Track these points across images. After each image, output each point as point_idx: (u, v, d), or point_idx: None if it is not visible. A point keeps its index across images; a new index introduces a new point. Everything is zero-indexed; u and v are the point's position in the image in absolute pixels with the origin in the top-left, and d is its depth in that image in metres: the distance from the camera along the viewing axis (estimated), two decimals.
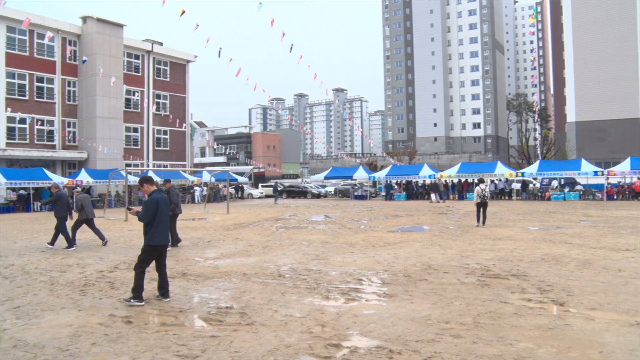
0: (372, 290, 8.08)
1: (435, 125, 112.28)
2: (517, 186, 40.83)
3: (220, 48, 26.50)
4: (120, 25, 44.06)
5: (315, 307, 7.05)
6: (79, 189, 24.91)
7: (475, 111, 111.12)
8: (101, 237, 14.61)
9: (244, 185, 54.75)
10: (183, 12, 20.30)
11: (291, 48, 27.08)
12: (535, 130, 72.30)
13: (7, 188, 33.98)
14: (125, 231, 18.78)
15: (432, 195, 38.12)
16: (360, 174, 46.20)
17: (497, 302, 7.19)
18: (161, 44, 51.22)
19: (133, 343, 5.59)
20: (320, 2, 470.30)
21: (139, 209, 7.86)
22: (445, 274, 9.27)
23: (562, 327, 5.92)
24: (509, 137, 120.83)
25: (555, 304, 7.09)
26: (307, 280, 8.88)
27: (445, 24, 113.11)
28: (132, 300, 7.40)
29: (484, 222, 18.47)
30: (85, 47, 42.19)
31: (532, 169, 38.60)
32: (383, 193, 45.03)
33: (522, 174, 38.16)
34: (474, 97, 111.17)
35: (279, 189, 52.94)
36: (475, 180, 40.59)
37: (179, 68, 52.03)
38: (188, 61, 52.85)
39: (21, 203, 35.02)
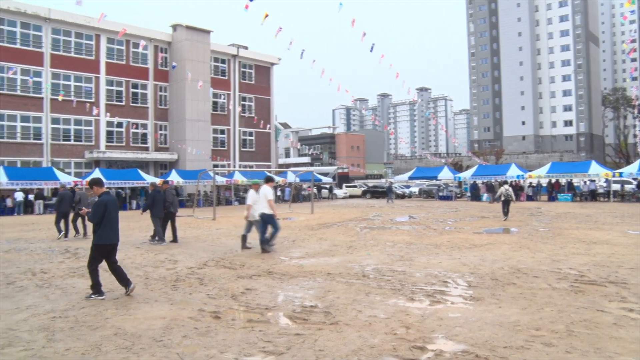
0: (458, 293, 7.88)
1: (523, 123, 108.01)
2: (615, 187, 38.51)
3: (303, 50, 26.86)
4: (208, 32, 45.67)
5: (400, 309, 6.97)
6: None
7: (567, 108, 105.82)
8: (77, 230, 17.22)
9: (332, 186, 55.11)
10: (266, 16, 20.70)
11: (372, 48, 26.98)
12: (634, 126, 67.83)
13: (106, 188, 35.99)
14: (213, 229, 19.41)
15: (485, 196, 37.19)
16: (445, 174, 45.29)
17: (593, 310, 6.76)
18: (246, 47, 52.59)
19: (221, 337, 5.75)
20: (400, 1, 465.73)
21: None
22: (535, 279, 8.88)
23: None
24: (605, 135, 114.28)
25: None
26: (391, 281, 8.80)
27: (534, 18, 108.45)
28: (92, 296, 7.82)
29: (506, 215, 21.82)
30: (175, 54, 44.12)
31: (631, 168, 36.22)
32: (469, 194, 43.99)
33: (620, 174, 35.92)
34: (566, 93, 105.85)
35: (364, 189, 52.97)
36: (566, 181, 39.11)
37: (263, 71, 53.21)
38: (272, 64, 53.94)
39: (119, 202, 37.07)
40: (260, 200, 12.66)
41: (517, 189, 40.65)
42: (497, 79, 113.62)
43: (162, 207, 14.94)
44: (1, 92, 36.19)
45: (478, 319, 6.36)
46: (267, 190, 12.66)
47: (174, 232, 15.38)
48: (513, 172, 40.06)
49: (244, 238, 13.42)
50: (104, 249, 7.95)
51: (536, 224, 19.50)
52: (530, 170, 43.71)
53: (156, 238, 15.01)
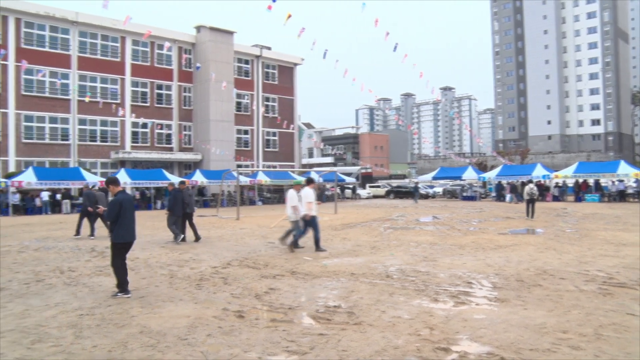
0: (483, 294, 7.80)
1: (549, 122, 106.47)
2: None
3: (326, 50, 26.84)
4: (231, 33, 45.97)
5: (424, 310, 6.93)
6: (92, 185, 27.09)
7: (595, 107, 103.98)
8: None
9: (355, 186, 55.03)
10: (289, 17, 20.73)
11: (395, 47, 26.86)
12: None
13: (132, 187, 36.54)
14: (236, 229, 19.53)
15: (508, 196, 36.87)
16: (470, 174, 44.87)
17: (622, 313, 6.63)
18: (269, 48, 52.80)
19: (245, 336, 5.78)
20: (424, 0, 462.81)
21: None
22: (562, 280, 8.74)
23: None
24: (634, 134, 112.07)
25: None
26: (415, 282, 8.76)
27: (560, 15, 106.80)
28: (118, 294, 7.92)
29: (532, 216, 21.84)
30: (199, 55, 44.51)
31: None
32: (493, 194, 43.54)
33: None
34: (593, 91, 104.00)
35: (387, 189, 52.76)
36: (594, 180, 38.42)
37: (286, 71, 53.36)
38: (295, 64, 54.06)
39: (144, 202, 37.61)
40: (302, 202, 12.83)
41: (543, 189, 40.12)
42: (522, 77, 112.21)
43: (182, 207, 15.22)
44: (31, 94, 36.95)
45: (503, 321, 6.29)
46: (308, 192, 12.85)
47: (195, 231, 15.61)
48: (539, 172, 39.47)
49: (288, 234, 13.64)
50: (122, 247, 8.13)
51: (562, 225, 19.21)
52: (556, 170, 43.06)
53: (180, 237, 15.19)
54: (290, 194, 13.27)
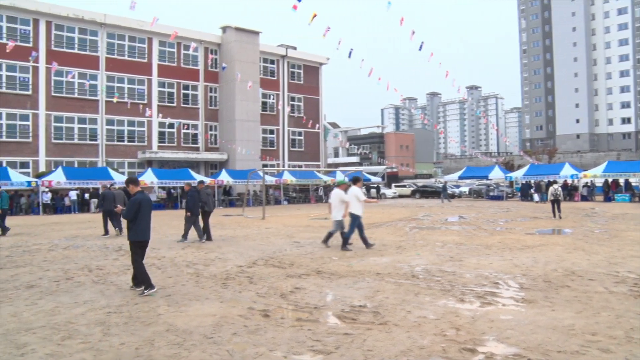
0: (510, 295, 7.69)
1: (577, 121, 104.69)
2: None
3: (351, 49, 26.79)
4: (257, 33, 46.20)
5: (450, 310, 6.85)
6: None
7: (625, 105, 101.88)
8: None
9: (379, 185, 54.87)
10: (314, 16, 20.73)
11: (421, 46, 26.70)
12: None
13: (159, 187, 37.00)
14: (262, 229, 19.60)
15: (535, 196, 36.46)
16: (496, 174, 44.36)
17: None
18: (295, 48, 52.91)
19: (270, 335, 5.79)
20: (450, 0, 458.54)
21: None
22: (591, 282, 8.56)
23: None
24: None
25: None
26: (441, 282, 8.68)
27: (589, 12, 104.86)
28: (145, 291, 8.03)
29: (559, 216, 21.80)
30: (224, 55, 44.84)
31: None
32: (519, 193, 43.00)
33: None
34: (623, 89, 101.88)
35: (413, 188, 52.49)
36: (624, 180, 37.63)
37: (312, 71, 53.44)
38: (321, 64, 54.11)
39: (170, 201, 38.05)
40: (352, 201, 12.85)
41: (571, 189, 39.46)
42: (550, 76, 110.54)
43: (199, 207, 15.38)
44: (60, 95, 37.65)
45: (530, 322, 6.18)
46: (357, 191, 12.94)
47: (208, 231, 15.78)
48: (567, 171, 38.79)
49: (329, 235, 13.70)
50: (140, 245, 8.30)
51: (591, 225, 18.86)
52: (584, 170, 42.22)
53: (204, 238, 15.43)
54: (335, 193, 13.34)
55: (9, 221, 20.51)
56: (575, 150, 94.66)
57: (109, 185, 22.79)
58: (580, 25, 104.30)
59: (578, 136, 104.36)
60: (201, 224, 15.64)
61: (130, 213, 8.16)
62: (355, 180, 13.28)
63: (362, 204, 13.00)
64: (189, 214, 15.27)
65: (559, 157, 78.33)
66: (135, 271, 8.30)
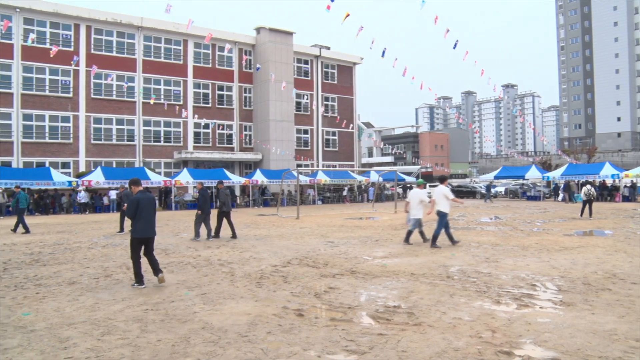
0: (547, 297, 7.53)
1: (618, 119, 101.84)
2: None
3: (385, 48, 26.66)
4: (290, 33, 46.38)
5: (485, 311, 6.76)
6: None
7: None
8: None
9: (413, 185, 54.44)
10: (347, 16, 20.69)
11: (455, 44, 26.39)
12: None
13: (194, 187, 37.48)
14: (296, 228, 19.67)
15: (561, 195, 35.78)
16: (533, 174, 43.53)
17: None
18: (328, 48, 52.93)
19: (304, 335, 5.81)
20: None
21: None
22: (634, 285, 8.31)
23: None
24: None
25: None
26: (476, 283, 8.57)
27: (632, 5, 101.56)
28: (135, 285, 8.65)
29: (590, 215, 22.31)
30: (258, 56, 45.17)
31: None
32: (561, 194, 42.11)
33: None
34: None
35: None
36: None
37: (346, 70, 53.38)
38: (355, 63, 54.00)
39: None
40: (438, 199, 13.29)
41: (612, 189, 38.45)
42: (590, 73, 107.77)
43: (209, 206, 15.94)
44: (99, 97, 38.54)
45: (569, 326, 6.04)
46: (445, 190, 13.34)
47: (232, 229, 16.31)
48: (607, 171, 37.68)
49: (409, 235, 14.13)
50: (139, 241, 8.73)
51: (633, 227, 18.32)
52: (626, 169, 41.05)
53: (212, 235, 15.99)
54: (414, 193, 13.96)
55: (51, 219, 21.10)
56: (616, 149, 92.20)
57: (126, 186, 23.30)
58: (622, 19, 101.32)
59: (619, 134, 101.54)
60: (213, 223, 16.21)
61: (130, 211, 8.68)
62: (442, 179, 13.86)
63: (450, 202, 13.41)
64: (199, 212, 15.83)
65: (599, 157, 76.43)
66: (133, 266, 8.79)
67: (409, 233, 14.08)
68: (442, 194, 13.29)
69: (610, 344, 5.36)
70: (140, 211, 8.66)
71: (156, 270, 8.79)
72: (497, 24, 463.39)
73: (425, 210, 13.85)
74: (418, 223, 13.82)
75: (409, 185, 52.47)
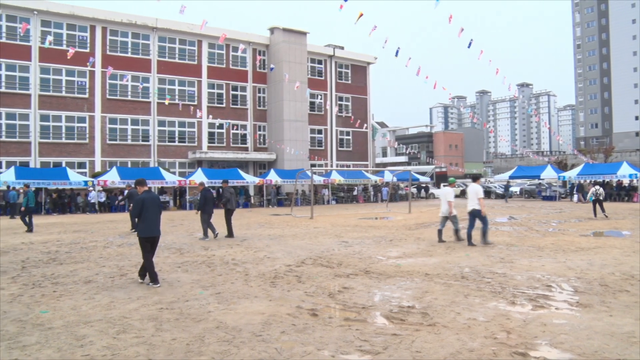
0: (563, 299, 7.46)
1: (636, 118, 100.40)
2: None
3: (398, 48, 26.57)
4: (304, 33, 46.39)
5: (500, 312, 6.72)
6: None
7: None
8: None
9: (427, 185, 54.26)
10: (361, 15, 20.65)
11: (470, 44, 26.24)
12: None
13: (208, 186, 37.61)
14: (310, 228, 19.68)
15: (575, 196, 35.50)
16: (549, 174, 43.10)
17: None
18: (342, 48, 52.88)
19: (318, 335, 5.81)
20: None
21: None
22: None
23: None
24: None
25: None
26: (491, 284, 8.51)
27: None
28: (150, 284, 8.74)
29: (603, 212, 22.52)
30: (272, 56, 45.25)
31: None
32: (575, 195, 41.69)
33: None
34: None
35: (462, 188, 51.75)
36: None
37: (360, 70, 53.31)
38: (368, 63, 53.91)
39: (219, 201, 38.60)
40: (471, 197, 13.83)
41: (630, 189, 37.98)
42: (607, 71, 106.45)
43: (212, 206, 16.06)
44: (115, 97, 38.86)
45: (586, 327, 5.98)
46: (478, 189, 13.79)
47: (229, 228, 16.56)
48: (624, 170, 37.11)
49: (439, 233, 14.60)
50: (146, 240, 8.88)
51: None
52: None
53: (209, 236, 16.07)
54: (445, 190, 14.61)
55: (68, 218, 21.31)
56: (634, 149, 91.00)
57: (132, 185, 23.48)
58: None
59: (637, 134, 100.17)
60: (216, 223, 16.40)
61: (135, 211, 8.97)
62: (475, 177, 14.41)
63: (483, 201, 13.80)
64: (197, 212, 16.10)
65: (616, 156, 75.53)
66: (144, 264, 8.92)
67: (457, 231, 14.55)
68: (474, 192, 13.68)
69: (629, 346, 5.29)
70: (145, 211, 8.86)
71: (144, 274, 9.02)
72: (512, 23, 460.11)
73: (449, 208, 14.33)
74: (445, 221, 14.51)
75: (425, 185, 52.32)
